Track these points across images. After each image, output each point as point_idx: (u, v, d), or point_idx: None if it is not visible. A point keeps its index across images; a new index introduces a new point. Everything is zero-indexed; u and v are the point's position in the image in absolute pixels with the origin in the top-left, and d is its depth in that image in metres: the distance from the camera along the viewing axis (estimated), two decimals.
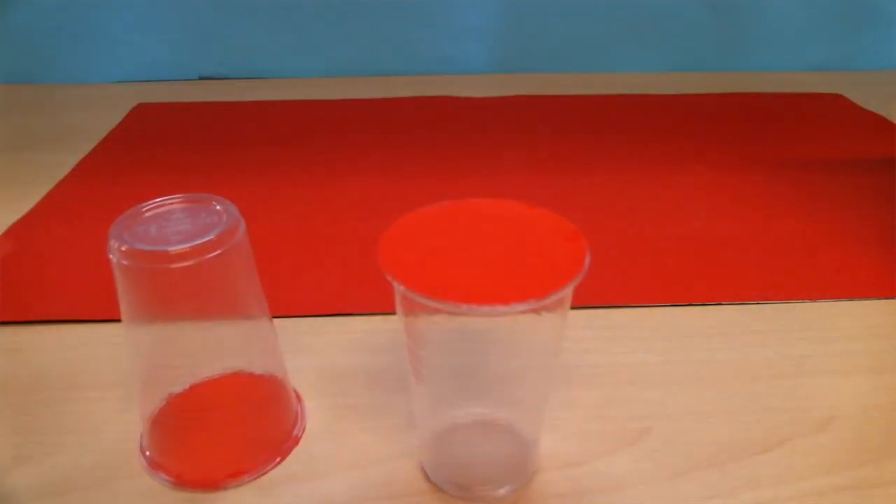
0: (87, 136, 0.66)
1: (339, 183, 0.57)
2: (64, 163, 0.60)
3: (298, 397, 0.35)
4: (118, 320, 0.29)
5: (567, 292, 0.25)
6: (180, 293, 0.28)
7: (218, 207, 0.29)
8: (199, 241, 0.27)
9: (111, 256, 0.27)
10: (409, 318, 0.27)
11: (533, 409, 0.31)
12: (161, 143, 0.66)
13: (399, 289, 0.24)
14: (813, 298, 0.42)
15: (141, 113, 0.73)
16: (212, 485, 0.30)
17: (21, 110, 0.74)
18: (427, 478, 0.31)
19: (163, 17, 0.79)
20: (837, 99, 0.77)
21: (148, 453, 0.32)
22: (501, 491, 0.30)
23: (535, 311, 0.25)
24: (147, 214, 0.29)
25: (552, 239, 0.26)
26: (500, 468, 0.31)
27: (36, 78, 0.81)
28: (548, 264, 0.25)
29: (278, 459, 0.32)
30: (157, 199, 0.29)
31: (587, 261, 0.25)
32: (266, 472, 0.31)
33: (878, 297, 0.43)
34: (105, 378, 0.36)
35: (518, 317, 0.26)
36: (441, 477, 0.30)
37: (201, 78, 0.83)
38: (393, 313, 0.27)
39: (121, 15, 0.78)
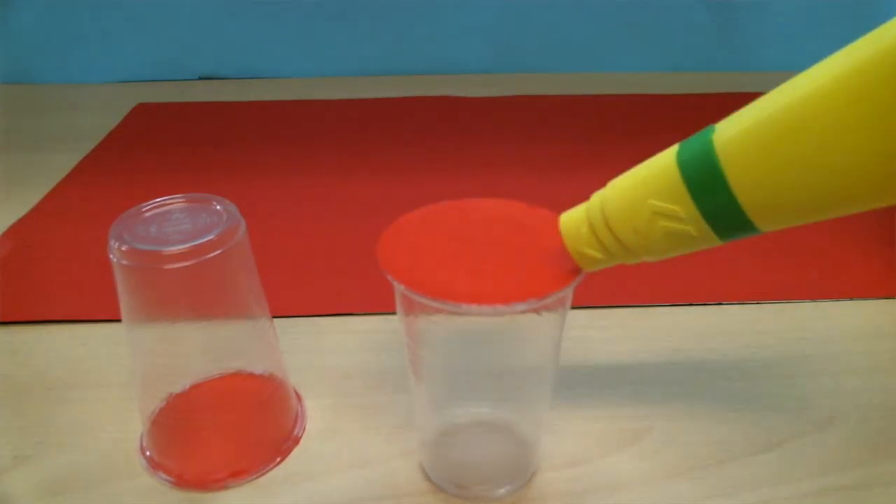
0: (87, 136, 0.66)
1: (339, 183, 0.57)
2: (64, 163, 0.60)
3: (298, 397, 0.35)
4: (118, 320, 0.29)
5: (567, 292, 0.25)
6: (180, 293, 0.28)
7: (218, 207, 0.29)
8: (199, 241, 0.27)
9: (111, 256, 0.27)
10: (409, 318, 0.27)
11: (533, 409, 0.31)
12: (161, 143, 0.66)
13: (399, 288, 0.24)
14: (813, 298, 0.42)
15: (141, 113, 0.73)
16: (212, 485, 0.30)
17: (21, 110, 0.74)
18: (427, 477, 0.31)
19: (163, 17, 0.79)
20: None
21: (148, 453, 0.32)
22: (501, 491, 0.30)
23: (535, 310, 0.25)
24: (147, 214, 0.29)
25: (553, 239, 0.26)
26: (499, 468, 0.31)
27: (36, 78, 0.81)
28: (548, 264, 0.25)
29: (278, 459, 0.32)
30: (158, 199, 0.29)
31: None
32: (266, 472, 0.31)
33: (878, 297, 0.43)
34: (105, 378, 0.36)
35: (518, 316, 0.26)
36: (441, 476, 0.30)
37: (201, 78, 0.83)
38: (393, 313, 0.27)
39: (121, 15, 0.78)
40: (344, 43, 0.82)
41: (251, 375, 0.33)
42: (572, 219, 0.25)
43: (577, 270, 0.25)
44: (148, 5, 0.78)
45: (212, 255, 0.27)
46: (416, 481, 0.31)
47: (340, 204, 0.54)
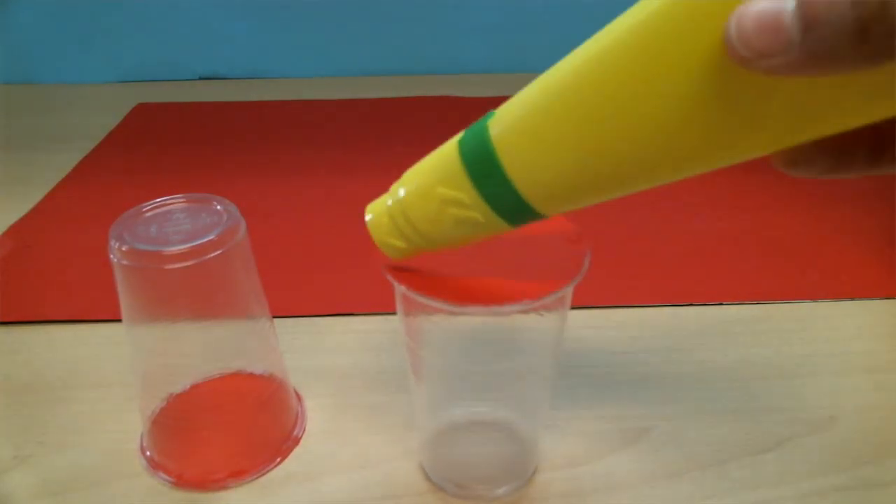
0: (87, 136, 0.66)
1: (339, 183, 0.57)
2: (64, 163, 0.60)
3: (298, 397, 0.35)
4: (118, 320, 0.29)
5: (566, 292, 0.25)
6: (181, 293, 0.28)
7: (218, 207, 0.29)
8: (199, 241, 0.27)
9: (112, 256, 0.27)
10: (409, 318, 0.27)
11: (532, 409, 0.31)
12: (161, 143, 0.66)
13: (399, 289, 0.25)
14: (813, 298, 0.42)
15: (141, 113, 0.73)
16: (212, 485, 0.30)
17: (21, 110, 0.74)
18: (427, 477, 0.31)
19: (163, 17, 0.79)
20: None
21: (148, 453, 0.32)
22: (500, 490, 0.30)
23: (535, 310, 0.25)
24: (147, 214, 0.29)
25: (553, 239, 0.26)
26: (499, 468, 0.31)
27: (36, 78, 0.81)
28: (547, 264, 0.25)
29: (278, 459, 0.32)
30: (158, 199, 0.29)
31: (586, 262, 0.25)
32: (266, 472, 0.31)
33: (878, 297, 0.43)
34: (105, 378, 0.36)
35: (518, 316, 0.26)
36: (441, 476, 0.30)
37: (201, 78, 0.83)
38: (393, 313, 0.27)
39: (121, 15, 0.78)
40: (344, 43, 0.82)
41: (251, 375, 0.33)
42: (376, 209, 0.25)
43: (575, 271, 0.25)
44: (148, 5, 0.78)
45: (212, 255, 0.27)
46: (416, 481, 0.31)
47: (340, 204, 0.54)
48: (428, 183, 0.23)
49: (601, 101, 0.18)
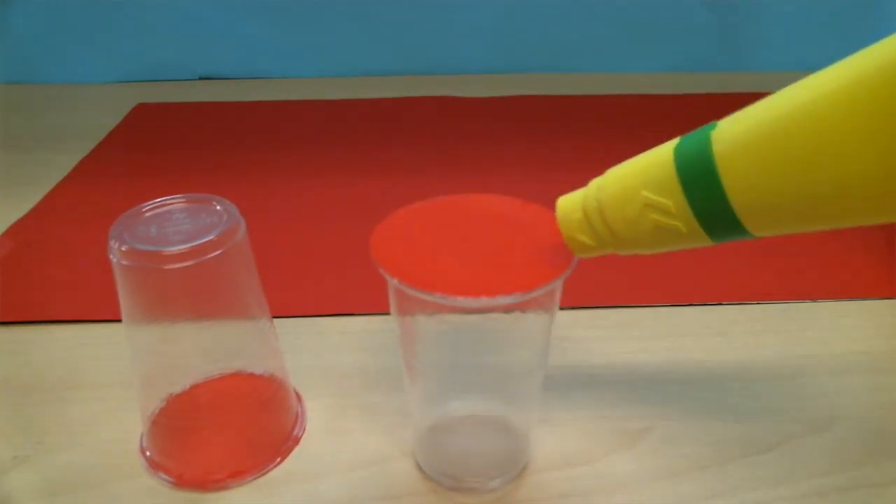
0: (87, 136, 0.66)
1: (340, 183, 0.57)
2: (64, 163, 0.60)
3: (298, 397, 0.35)
4: (118, 320, 0.29)
5: (553, 286, 0.25)
6: (180, 293, 0.28)
7: (218, 207, 0.29)
8: (199, 242, 0.27)
9: (111, 256, 0.27)
10: (403, 313, 0.27)
11: (524, 403, 0.31)
12: (161, 143, 0.66)
13: (391, 282, 0.25)
14: (813, 298, 0.42)
15: (141, 113, 0.73)
16: (212, 485, 0.30)
17: (21, 110, 0.74)
18: (426, 477, 0.31)
19: (163, 17, 0.79)
20: None
21: (148, 453, 0.32)
22: (493, 483, 0.30)
23: (525, 304, 0.26)
24: (147, 214, 0.29)
25: (543, 234, 0.27)
26: (491, 460, 0.31)
27: (36, 78, 0.81)
28: (539, 259, 0.25)
29: (278, 459, 0.32)
30: (158, 200, 0.29)
31: (576, 258, 0.25)
32: (266, 472, 0.31)
33: (878, 297, 0.43)
34: (105, 378, 0.36)
35: (508, 310, 0.26)
36: (434, 469, 0.31)
37: (201, 78, 0.83)
38: None
39: (121, 15, 0.78)
40: (344, 43, 0.82)
41: (251, 375, 0.33)
42: (568, 203, 0.25)
43: (566, 265, 0.25)
44: (148, 5, 0.78)
45: (212, 255, 0.27)
46: (416, 481, 0.31)
47: (341, 204, 0.54)
48: (633, 185, 0.23)
49: (846, 133, 0.18)
